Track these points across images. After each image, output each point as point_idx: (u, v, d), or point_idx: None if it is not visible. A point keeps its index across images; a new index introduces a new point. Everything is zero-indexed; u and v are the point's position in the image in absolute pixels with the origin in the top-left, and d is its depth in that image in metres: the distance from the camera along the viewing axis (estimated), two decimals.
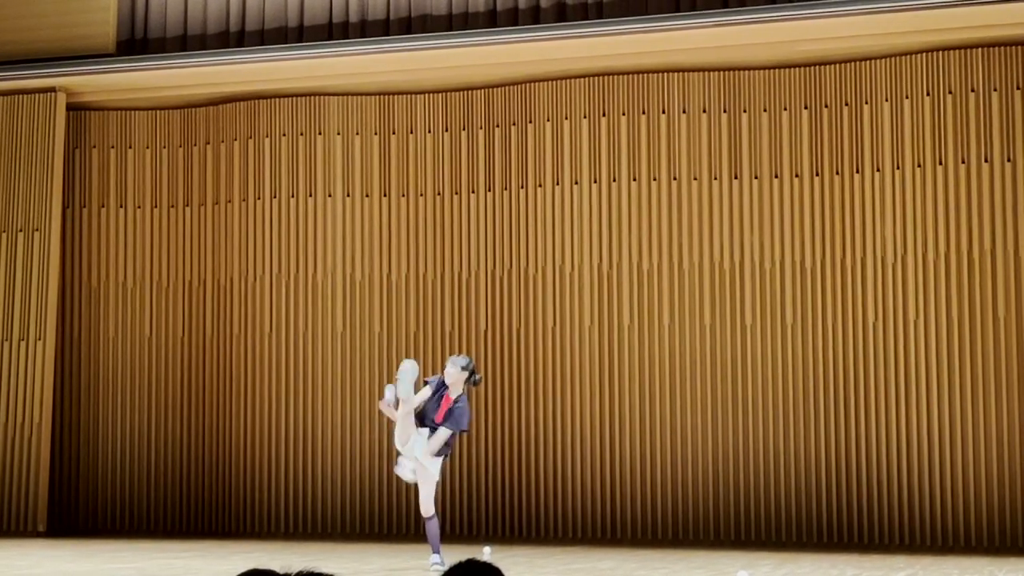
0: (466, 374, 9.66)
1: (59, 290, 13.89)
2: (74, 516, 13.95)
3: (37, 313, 13.62)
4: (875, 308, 12.14)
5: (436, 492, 9.73)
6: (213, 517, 13.72)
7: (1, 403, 13.58)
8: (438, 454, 9.59)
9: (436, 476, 9.62)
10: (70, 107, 14.02)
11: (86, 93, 14.01)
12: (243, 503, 13.60)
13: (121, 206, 14.21)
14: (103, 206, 14.22)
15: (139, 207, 14.19)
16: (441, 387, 9.68)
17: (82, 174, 14.25)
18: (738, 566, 9.29)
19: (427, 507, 9.58)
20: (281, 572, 2.21)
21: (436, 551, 9.51)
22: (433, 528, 9.58)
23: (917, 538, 11.79)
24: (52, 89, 13.85)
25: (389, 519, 13.13)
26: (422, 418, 9.59)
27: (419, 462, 9.52)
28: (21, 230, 13.79)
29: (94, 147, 14.26)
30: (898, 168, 12.18)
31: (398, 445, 9.62)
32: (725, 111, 12.68)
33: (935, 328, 11.93)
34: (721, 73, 12.70)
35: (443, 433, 9.53)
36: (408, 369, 9.56)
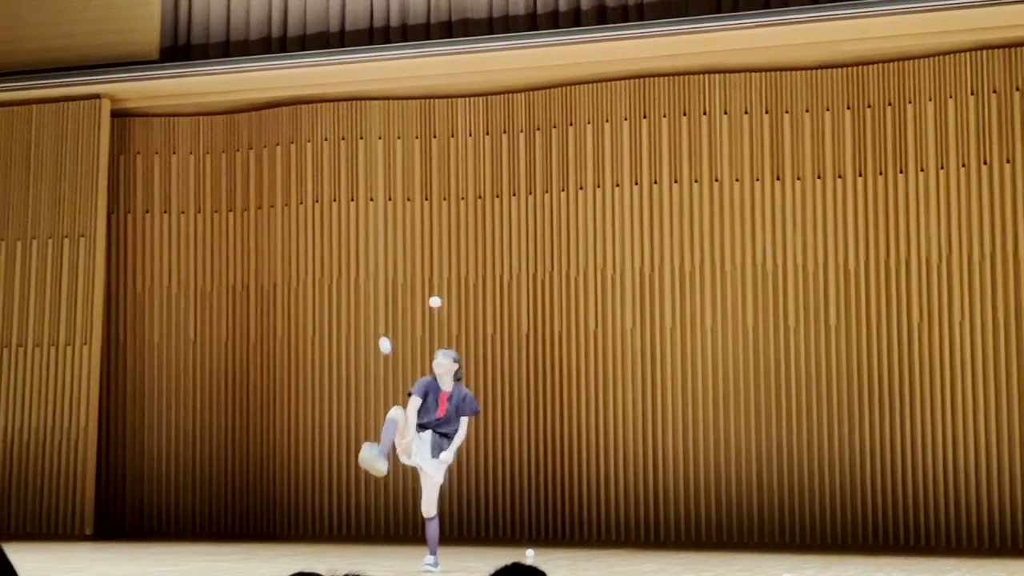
0: (456, 366, 9.69)
1: (105, 295, 14.00)
2: (120, 519, 14.06)
3: (83, 318, 13.73)
4: (920, 310, 12.06)
5: (441, 494, 9.76)
6: (258, 520, 13.79)
7: (48, 407, 13.70)
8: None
9: (441, 480, 9.61)
10: (114, 114, 14.14)
11: (130, 100, 14.13)
12: (287, 506, 13.65)
13: (165, 211, 14.31)
14: (148, 212, 14.33)
15: (183, 212, 14.29)
16: (429, 388, 9.66)
17: (127, 180, 14.36)
18: (782, 569, 9.25)
19: (430, 508, 9.59)
20: (327, 575, 2.22)
21: (433, 552, 9.51)
22: (433, 529, 9.58)
23: (963, 540, 11.70)
24: (96, 96, 13.97)
25: None
26: (423, 425, 9.59)
27: (422, 468, 9.53)
28: (67, 236, 13.91)
29: (138, 153, 14.37)
30: (942, 168, 12.10)
31: (404, 458, 9.61)
32: (767, 112, 12.63)
33: (980, 329, 11.83)
34: (763, 74, 12.65)
35: (463, 427, 9.54)
36: (391, 420, 9.55)
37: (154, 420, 14.10)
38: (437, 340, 13.31)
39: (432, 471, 9.53)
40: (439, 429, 9.57)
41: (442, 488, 9.73)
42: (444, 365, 9.63)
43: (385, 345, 10.01)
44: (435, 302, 10.21)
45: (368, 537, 13.21)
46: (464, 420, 9.61)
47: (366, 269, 13.63)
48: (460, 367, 9.79)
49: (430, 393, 9.62)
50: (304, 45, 13.59)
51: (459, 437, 9.59)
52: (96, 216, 13.86)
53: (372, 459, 9.37)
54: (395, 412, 9.51)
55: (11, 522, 13.61)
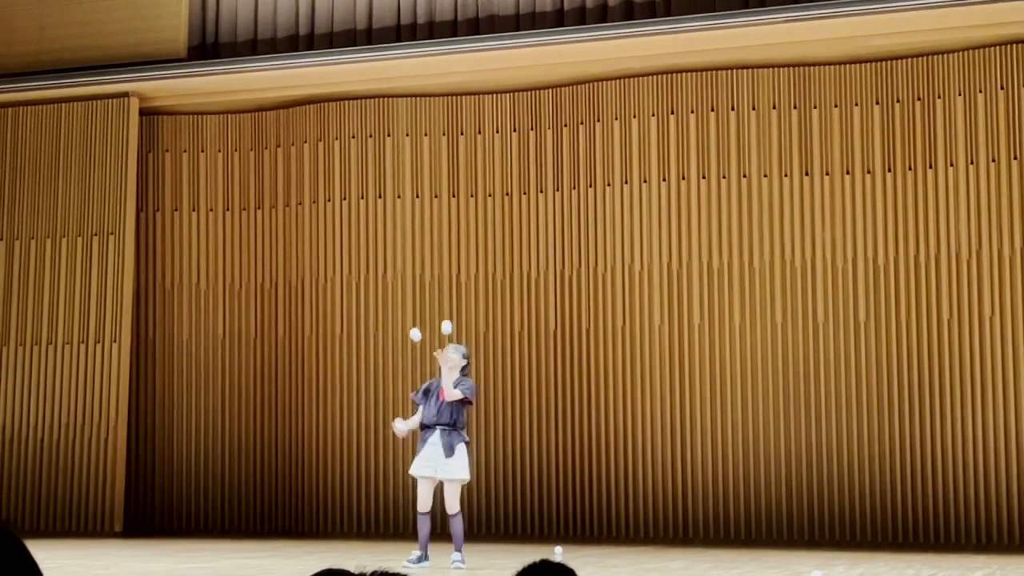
0: (464, 361, 9.67)
1: (134, 293, 14.06)
2: (150, 516, 14.12)
3: (113, 316, 13.80)
4: (949, 305, 11.99)
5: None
6: (287, 517, 13.83)
7: (78, 404, 13.77)
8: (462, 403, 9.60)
9: (463, 477, 9.60)
10: (143, 112, 14.20)
11: (158, 98, 14.18)
12: (316, 503, 13.69)
13: (194, 209, 14.36)
14: (176, 209, 14.39)
15: (211, 210, 14.34)
16: (431, 386, 9.69)
17: (155, 178, 14.42)
18: (812, 566, 9.21)
19: (453, 504, 9.59)
20: (356, 572, 2.21)
21: (458, 548, 9.51)
22: (458, 525, 9.57)
23: (994, 537, 11.63)
24: (125, 94, 14.03)
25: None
26: (427, 426, 9.61)
27: (443, 477, 9.54)
28: (96, 234, 13.98)
29: (167, 151, 14.42)
30: (972, 163, 12.02)
31: (422, 472, 9.63)
32: (795, 107, 12.58)
33: (1011, 325, 11.76)
34: (791, 69, 12.60)
35: (456, 393, 9.50)
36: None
37: (183, 417, 14.15)
38: (465, 337, 13.31)
39: (454, 475, 9.54)
40: (442, 422, 9.56)
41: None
42: (452, 359, 9.59)
43: (415, 335, 10.04)
44: (415, 335, 10.13)
45: (396, 534, 13.23)
46: (457, 391, 9.47)
47: (394, 266, 13.65)
48: (468, 363, 9.77)
49: (431, 391, 9.65)
50: (331, 43, 13.61)
51: (456, 391, 9.48)
52: (125, 214, 13.92)
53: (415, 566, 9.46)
54: (416, 470, 9.67)
55: (42, 519, 13.69)
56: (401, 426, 9.85)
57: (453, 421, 9.56)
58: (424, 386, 9.86)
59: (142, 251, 14.30)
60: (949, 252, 12.04)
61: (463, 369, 9.66)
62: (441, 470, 9.52)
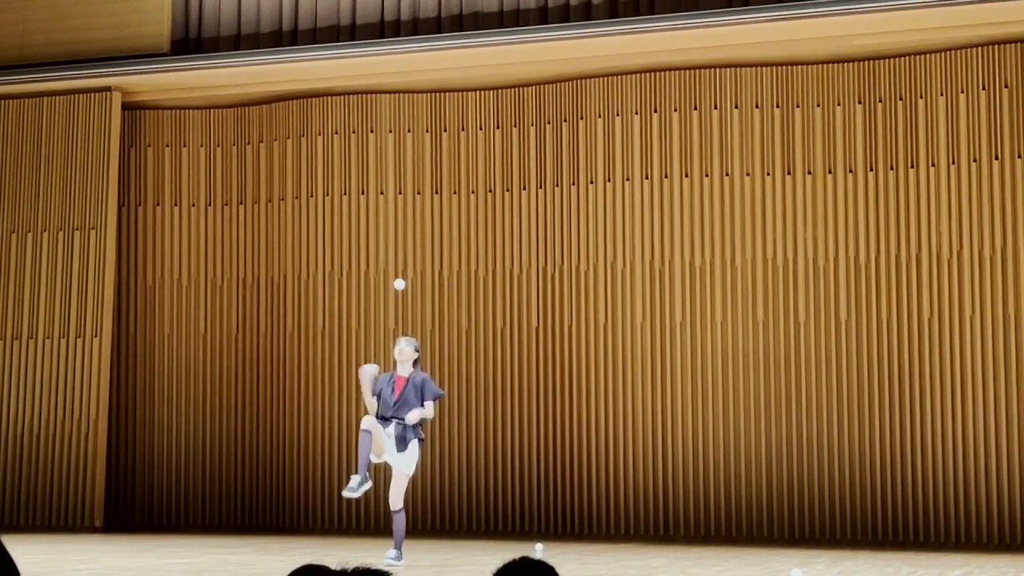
0: (416, 354, 9.78)
1: (115, 288, 14.03)
2: (130, 511, 14.09)
3: (93, 311, 13.76)
4: (930, 304, 12.04)
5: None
6: (268, 513, 13.82)
7: (58, 400, 13.73)
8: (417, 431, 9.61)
9: (411, 472, 9.63)
10: (125, 106, 14.16)
11: (141, 92, 14.14)
12: (297, 499, 13.68)
13: (176, 204, 14.33)
14: (158, 204, 14.35)
15: (194, 205, 14.31)
16: (382, 381, 9.67)
17: (137, 173, 14.38)
18: (792, 564, 9.24)
19: (397, 501, 9.60)
20: (337, 568, 2.22)
21: (397, 547, 9.51)
22: (400, 522, 9.58)
23: (972, 536, 11.68)
24: (107, 89, 13.99)
25: (442, 515, 13.16)
26: (383, 418, 9.59)
27: (395, 466, 9.55)
28: (77, 229, 13.94)
29: (149, 146, 14.39)
30: (953, 163, 12.07)
31: (374, 458, 9.60)
32: (778, 106, 12.61)
33: (991, 324, 11.81)
34: (773, 68, 12.63)
35: (430, 409, 9.55)
36: (364, 434, 9.54)
37: (164, 413, 14.13)
38: (447, 333, 13.32)
39: (401, 467, 9.56)
40: (398, 415, 9.55)
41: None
42: (405, 352, 9.70)
43: (400, 284, 10.09)
44: (400, 284, 10.20)
45: (378, 530, 13.22)
46: (429, 404, 9.59)
47: (376, 262, 13.64)
48: (419, 355, 9.88)
49: (384, 385, 9.63)
50: (315, 38, 13.59)
51: (425, 413, 9.54)
52: (106, 208, 13.88)
53: (356, 492, 9.42)
54: (367, 423, 9.52)
55: (21, 514, 13.65)
56: (368, 376, 9.76)
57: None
58: (378, 384, 9.72)
59: (124, 246, 14.26)
60: (930, 251, 12.09)
61: (415, 362, 9.74)
62: (390, 458, 9.53)
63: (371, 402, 9.63)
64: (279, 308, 13.95)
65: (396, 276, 13.42)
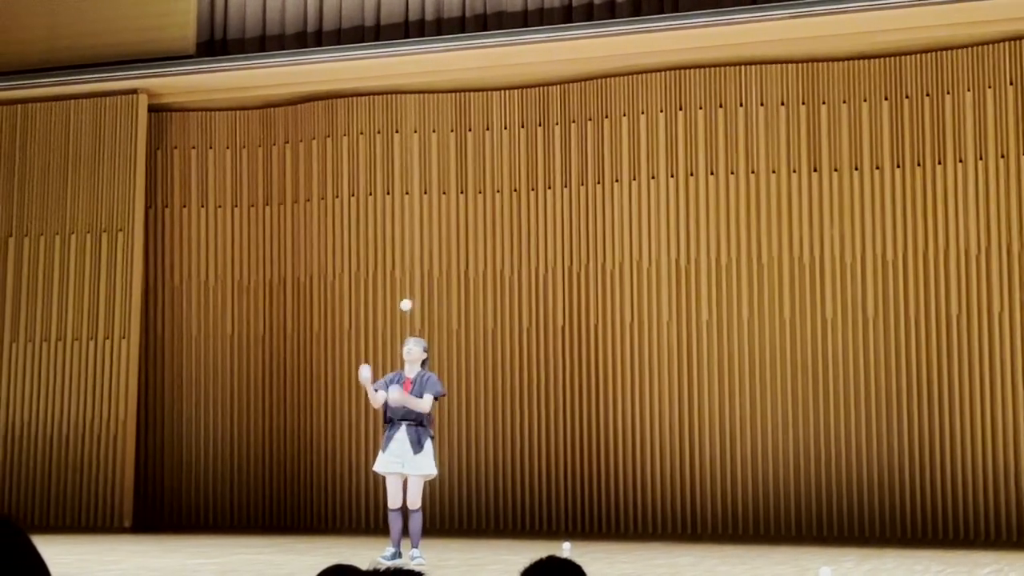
0: (425, 355, 9.87)
1: (143, 289, 14.09)
2: (159, 512, 14.15)
3: (121, 312, 13.83)
4: (958, 301, 11.98)
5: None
6: (295, 512, 13.85)
7: (87, 400, 13.81)
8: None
9: (429, 473, 9.68)
10: (151, 108, 14.22)
11: (167, 94, 14.20)
12: (325, 499, 13.71)
13: (202, 206, 14.38)
14: (185, 206, 14.41)
15: (220, 206, 14.36)
16: (390, 380, 9.72)
17: (164, 174, 14.44)
18: (820, 562, 9.21)
19: (415, 500, 9.62)
20: (370, 568, 2.22)
21: (415, 544, 9.57)
22: (418, 522, 9.62)
23: (1002, 534, 11.62)
24: (134, 91, 14.05)
25: (469, 514, 13.17)
26: (391, 420, 9.61)
27: (410, 473, 9.57)
28: (105, 230, 14.00)
29: (175, 148, 14.44)
30: (981, 159, 12.01)
31: (389, 469, 9.64)
32: (804, 103, 12.57)
33: (1020, 320, 11.74)
34: (799, 65, 12.59)
35: (427, 402, 9.56)
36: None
37: (192, 413, 14.18)
38: (472, 333, 13.33)
39: (421, 471, 9.61)
40: (408, 418, 9.58)
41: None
42: (414, 352, 9.78)
43: (406, 305, 10.12)
44: (406, 305, 10.21)
45: (404, 531, 13.21)
46: (428, 397, 9.60)
47: (401, 263, 13.66)
48: (427, 356, 9.98)
49: (392, 384, 9.66)
50: (339, 39, 13.62)
51: (422, 404, 9.56)
52: (134, 210, 13.94)
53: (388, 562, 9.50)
54: (364, 372, 9.66)
55: (51, 514, 13.72)
56: (366, 373, 9.79)
57: (420, 416, 9.61)
58: (385, 382, 9.79)
59: (151, 247, 14.32)
60: (958, 248, 12.03)
61: (423, 363, 9.78)
62: (408, 465, 9.57)
63: (379, 396, 9.66)
64: (305, 308, 13.99)
65: (422, 276, 13.45)
